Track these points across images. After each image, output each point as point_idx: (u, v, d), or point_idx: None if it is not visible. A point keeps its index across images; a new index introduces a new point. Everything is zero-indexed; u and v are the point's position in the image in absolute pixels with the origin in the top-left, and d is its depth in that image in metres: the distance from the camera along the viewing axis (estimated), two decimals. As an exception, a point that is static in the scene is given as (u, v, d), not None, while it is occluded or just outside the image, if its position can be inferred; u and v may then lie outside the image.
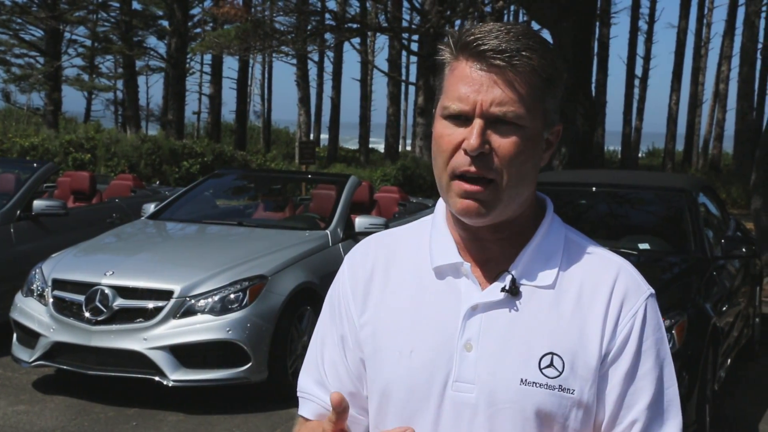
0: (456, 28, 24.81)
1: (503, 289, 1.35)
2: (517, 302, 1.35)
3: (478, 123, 1.29)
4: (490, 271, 1.38)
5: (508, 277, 1.35)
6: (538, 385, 1.31)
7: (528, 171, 1.33)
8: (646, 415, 1.34)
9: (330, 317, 1.49)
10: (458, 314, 1.35)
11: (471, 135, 1.29)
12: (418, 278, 1.41)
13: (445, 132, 1.33)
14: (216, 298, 5.78)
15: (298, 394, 1.50)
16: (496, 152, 1.30)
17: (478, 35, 1.31)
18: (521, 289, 1.35)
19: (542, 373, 1.31)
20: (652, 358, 1.35)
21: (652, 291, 1.40)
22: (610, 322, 1.34)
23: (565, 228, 1.44)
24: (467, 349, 1.34)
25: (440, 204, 1.46)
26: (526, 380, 1.31)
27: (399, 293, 1.42)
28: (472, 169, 1.30)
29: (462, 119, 1.31)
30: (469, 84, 1.30)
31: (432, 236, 1.43)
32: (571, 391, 1.31)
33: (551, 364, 1.32)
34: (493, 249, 1.38)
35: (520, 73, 1.29)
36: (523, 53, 1.29)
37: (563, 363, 1.32)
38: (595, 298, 1.35)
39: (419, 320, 1.38)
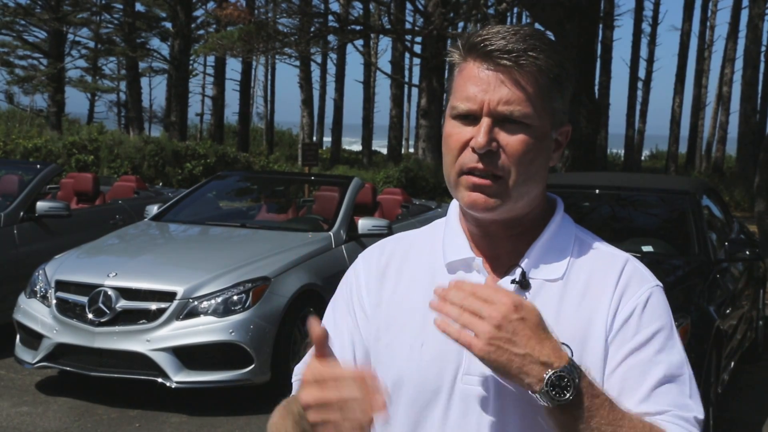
0: (459, 30, 24.89)
1: (513, 282, 1.37)
2: (527, 294, 1.36)
3: (485, 121, 1.31)
4: (501, 266, 1.40)
5: (518, 271, 1.37)
6: None
7: (536, 169, 1.35)
8: (659, 400, 1.31)
9: (340, 310, 1.51)
10: None
11: (478, 133, 1.31)
12: (431, 274, 1.43)
13: (453, 131, 1.35)
14: (219, 299, 5.78)
15: (293, 379, 1.55)
16: (504, 150, 1.32)
17: (486, 36, 1.33)
18: (531, 282, 1.37)
19: None
20: (657, 344, 1.33)
21: (660, 284, 1.41)
22: (612, 308, 1.35)
23: (575, 227, 1.46)
24: None
25: (453, 205, 1.48)
26: None
27: (411, 289, 1.44)
28: (480, 166, 1.32)
29: (470, 118, 1.33)
30: (476, 84, 1.32)
31: (445, 234, 1.46)
32: None
33: None
34: (504, 245, 1.41)
35: (526, 72, 1.31)
36: (530, 53, 1.31)
37: (572, 353, 1.31)
38: (602, 289, 1.37)
39: (430, 315, 1.38)
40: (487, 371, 1.33)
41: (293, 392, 1.51)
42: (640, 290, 1.37)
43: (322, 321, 1.53)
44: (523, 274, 1.37)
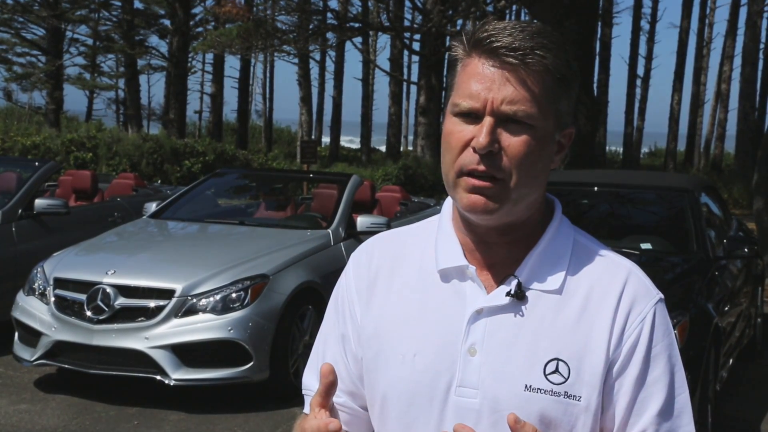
0: (458, 27, 24.86)
1: (509, 294, 1.32)
2: (523, 307, 1.32)
3: (488, 121, 1.26)
4: (497, 275, 1.35)
5: (514, 282, 1.32)
6: (542, 391, 1.29)
7: (538, 172, 1.30)
8: (657, 423, 1.32)
9: (333, 316, 1.48)
10: (463, 318, 1.33)
11: (480, 133, 1.26)
12: (423, 281, 1.38)
13: (455, 129, 1.30)
14: (217, 297, 5.78)
15: (303, 391, 1.50)
16: (506, 151, 1.27)
17: (492, 32, 1.28)
18: (527, 293, 1.32)
19: (547, 379, 1.29)
20: (662, 364, 1.33)
21: (662, 296, 1.37)
22: (618, 327, 1.32)
23: (574, 230, 1.40)
24: (471, 354, 1.31)
25: (447, 205, 1.43)
26: (530, 386, 1.29)
27: (403, 296, 1.39)
28: (481, 167, 1.27)
29: (472, 117, 1.28)
30: (480, 81, 1.27)
31: (438, 238, 1.41)
32: (577, 398, 1.29)
33: (556, 370, 1.29)
34: (500, 252, 1.35)
35: (533, 71, 1.26)
36: (537, 52, 1.26)
37: (569, 369, 1.29)
38: (603, 303, 1.33)
39: (423, 324, 1.35)
40: (482, 383, 1.30)
41: (305, 408, 1.48)
42: (647, 308, 1.34)
43: (323, 321, 1.52)
44: (519, 285, 1.32)
